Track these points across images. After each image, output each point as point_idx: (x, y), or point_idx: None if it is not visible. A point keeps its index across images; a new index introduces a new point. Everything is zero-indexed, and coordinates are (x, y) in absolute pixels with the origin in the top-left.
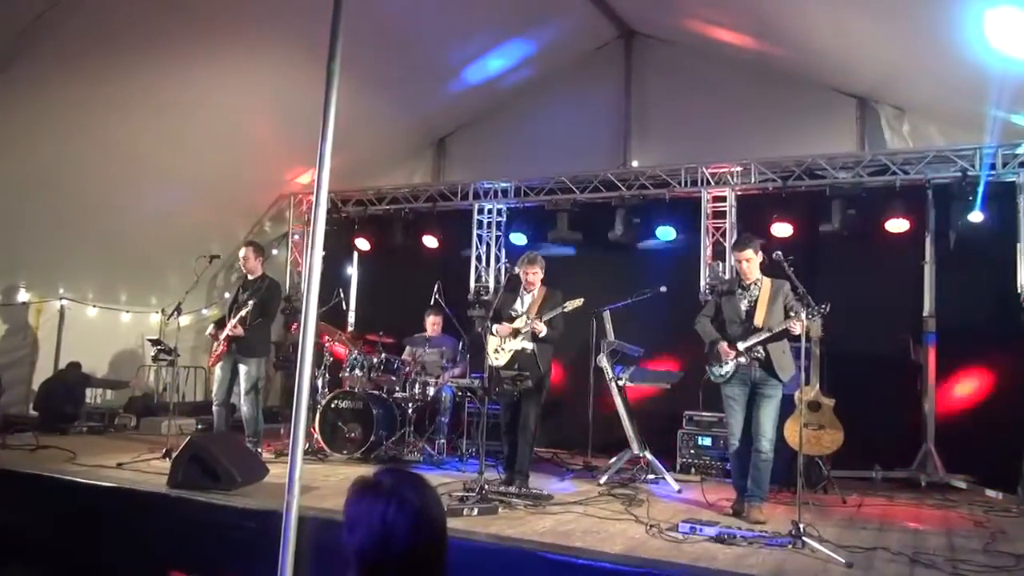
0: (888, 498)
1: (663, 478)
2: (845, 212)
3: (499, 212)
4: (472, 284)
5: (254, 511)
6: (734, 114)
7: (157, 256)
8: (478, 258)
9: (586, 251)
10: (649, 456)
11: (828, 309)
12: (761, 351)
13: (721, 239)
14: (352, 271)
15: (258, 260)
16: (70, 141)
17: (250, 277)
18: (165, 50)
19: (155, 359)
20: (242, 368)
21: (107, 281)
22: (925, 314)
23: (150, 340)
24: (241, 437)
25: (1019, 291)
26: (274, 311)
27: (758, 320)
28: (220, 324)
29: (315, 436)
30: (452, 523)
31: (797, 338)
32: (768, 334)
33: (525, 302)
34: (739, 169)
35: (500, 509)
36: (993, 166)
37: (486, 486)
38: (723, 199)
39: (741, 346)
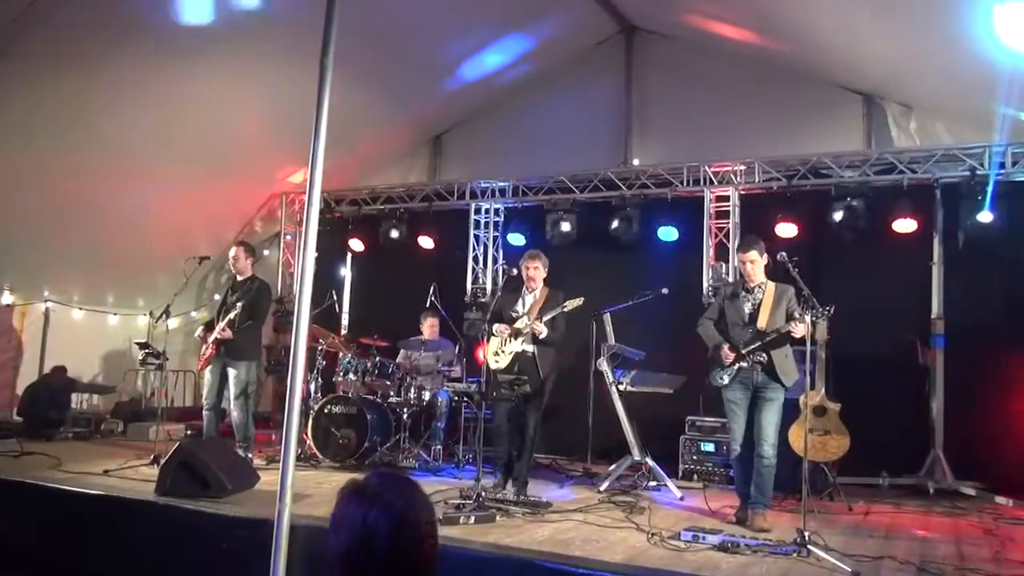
0: (895, 505)
1: (665, 485)
2: (851, 212)
3: (497, 212)
4: (469, 286)
5: (245, 519)
6: (737, 111)
7: (145, 257)
8: (475, 259)
9: (586, 252)
10: (650, 462)
11: (832, 311)
12: (763, 355)
13: (724, 240)
14: (346, 272)
15: (248, 261)
16: (55, 138)
17: (239, 278)
18: (155, 44)
19: (143, 363)
20: (231, 372)
21: (94, 282)
22: (933, 316)
23: (138, 343)
24: (231, 443)
25: None
26: (264, 313)
27: (761, 323)
28: (209, 327)
29: (307, 442)
30: (448, 531)
31: (801, 342)
32: (771, 337)
33: (527, 303)
34: (743, 168)
35: (498, 517)
36: (1003, 165)
37: (483, 493)
38: (726, 198)
39: (743, 349)
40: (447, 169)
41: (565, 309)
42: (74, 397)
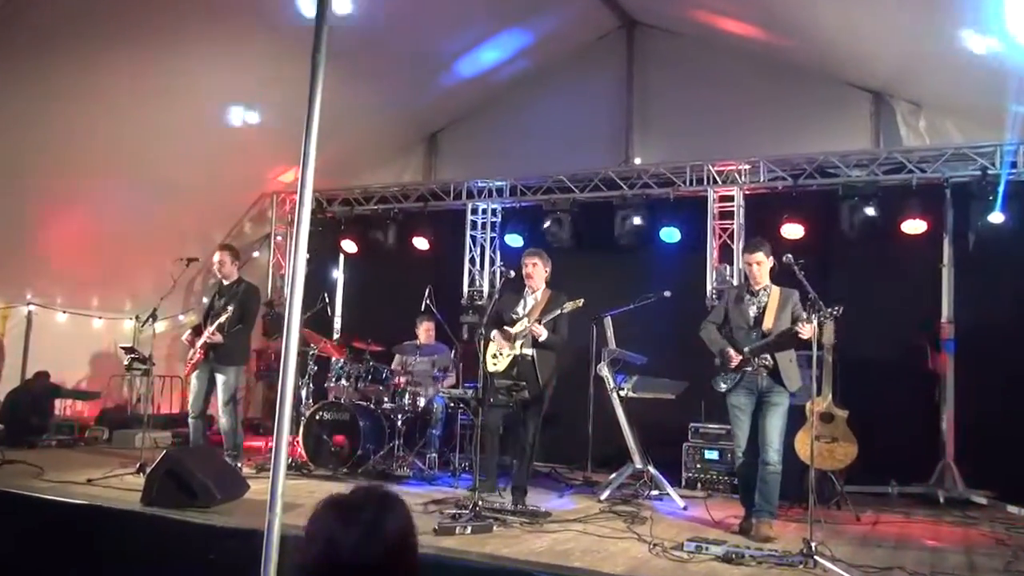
0: (905, 515)
1: (667, 494)
2: (859, 212)
3: (494, 212)
4: (465, 288)
5: (234, 530)
6: (742, 109)
7: (131, 258)
8: (472, 261)
9: (585, 254)
10: (652, 470)
11: (841, 311)
12: (769, 359)
13: (728, 241)
14: (338, 274)
15: (234, 265)
16: (37, 136)
17: (225, 282)
18: (143, 40)
19: (129, 368)
20: (219, 377)
21: (77, 285)
22: (943, 320)
23: (123, 348)
24: (220, 451)
25: None
26: (253, 317)
27: (767, 326)
28: (197, 331)
29: (299, 450)
30: (444, 542)
31: (807, 346)
32: (777, 338)
33: (527, 304)
34: (747, 167)
35: (495, 527)
36: (1014, 164)
37: (480, 503)
38: (730, 199)
39: (747, 350)
40: (443, 168)
41: (564, 310)
42: (57, 403)
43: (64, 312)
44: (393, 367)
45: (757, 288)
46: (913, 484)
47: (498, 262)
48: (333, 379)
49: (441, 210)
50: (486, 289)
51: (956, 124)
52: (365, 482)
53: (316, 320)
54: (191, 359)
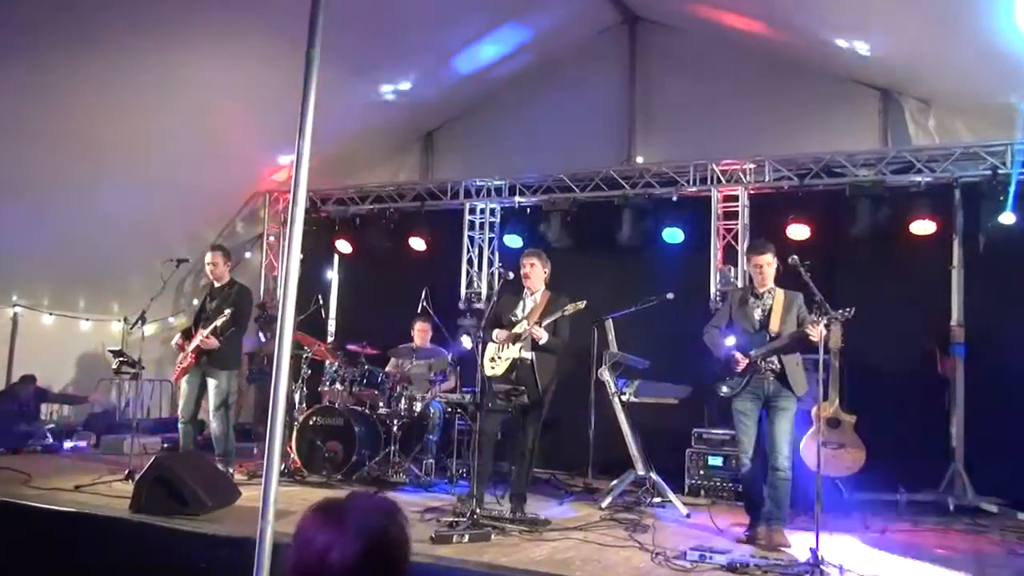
0: (913, 523)
1: (670, 501)
2: (866, 213)
3: (492, 212)
4: (463, 291)
5: (225, 538)
6: (747, 106)
7: (119, 259)
8: (469, 262)
9: (586, 255)
10: (655, 477)
11: (852, 313)
12: (776, 362)
13: (733, 242)
14: (332, 276)
15: (227, 266)
16: (22, 133)
17: (217, 284)
18: (132, 34)
19: (117, 372)
20: (211, 382)
21: (64, 286)
22: (953, 323)
23: (111, 351)
24: (210, 457)
25: None
26: (247, 320)
27: (773, 329)
28: (187, 334)
29: (292, 455)
30: (441, 550)
31: (814, 350)
32: (785, 341)
33: (526, 307)
34: (752, 166)
35: (493, 535)
36: None
37: (478, 511)
38: (735, 198)
39: (754, 353)
40: (440, 167)
41: (565, 312)
42: (44, 408)
43: (50, 314)
44: (389, 370)
45: (762, 290)
46: (922, 491)
47: (496, 263)
48: (327, 383)
49: (438, 210)
50: (484, 291)
51: (966, 122)
52: (362, 488)
53: (310, 322)
54: (181, 363)
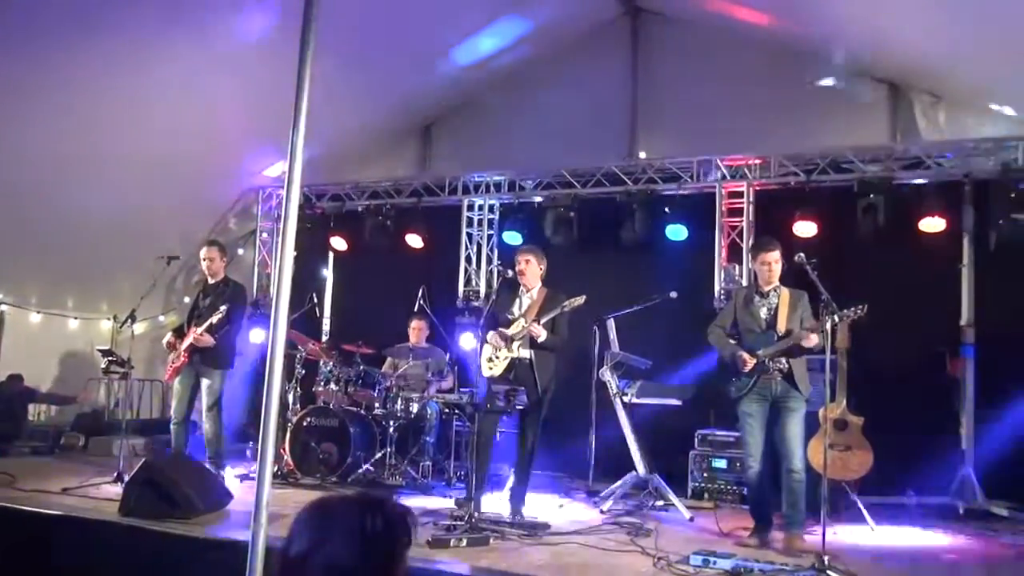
0: (922, 527)
1: (673, 504)
2: (875, 210)
3: (491, 208)
4: (461, 289)
5: (216, 541)
6: (752, 100)
7: (109, 256)
8: (468, 259)
9: (587, 252)
10: (657, 480)
11: (865, 311)
12: (784, 363)
13: (738, 239)
14: (327, 273)
15: (223, 262)
16: (9, 129)
17: (211, 281)
18: (120, 29)
19: (106, 371)
20: (204, 382)
21: (52, 284)
22: (963, 323)
23: (100, 350)
24: (202, 459)
25: None
26: (241, 318)
27: (781, 328)
28: (179, 332)
29: (285, 457)
30: (438, 555)
31: (820, 350)
32: (794, 341)
33: (523, 304)
34: (758, 162)
35: (492, 539)
36: None
37: (476, 514)
38: (740, 195)
39: (762, 353)
40: (437, 162)
41: (565, 309)
42: (31, 408)
43: (38, 312)
44: (384, 370)
45: (767, 289)
46: (931, 495)
47: (495, 261)
48: (322, 383)
49: (436, 206)
50: (483, 289)
51: (976, 118)
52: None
53: (304, 321)
54: (174, 363)
